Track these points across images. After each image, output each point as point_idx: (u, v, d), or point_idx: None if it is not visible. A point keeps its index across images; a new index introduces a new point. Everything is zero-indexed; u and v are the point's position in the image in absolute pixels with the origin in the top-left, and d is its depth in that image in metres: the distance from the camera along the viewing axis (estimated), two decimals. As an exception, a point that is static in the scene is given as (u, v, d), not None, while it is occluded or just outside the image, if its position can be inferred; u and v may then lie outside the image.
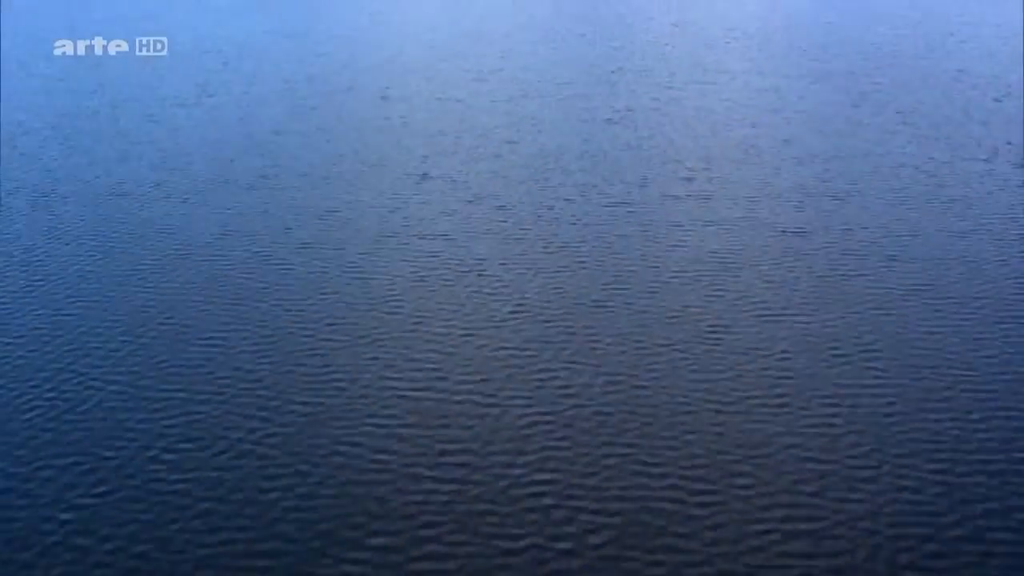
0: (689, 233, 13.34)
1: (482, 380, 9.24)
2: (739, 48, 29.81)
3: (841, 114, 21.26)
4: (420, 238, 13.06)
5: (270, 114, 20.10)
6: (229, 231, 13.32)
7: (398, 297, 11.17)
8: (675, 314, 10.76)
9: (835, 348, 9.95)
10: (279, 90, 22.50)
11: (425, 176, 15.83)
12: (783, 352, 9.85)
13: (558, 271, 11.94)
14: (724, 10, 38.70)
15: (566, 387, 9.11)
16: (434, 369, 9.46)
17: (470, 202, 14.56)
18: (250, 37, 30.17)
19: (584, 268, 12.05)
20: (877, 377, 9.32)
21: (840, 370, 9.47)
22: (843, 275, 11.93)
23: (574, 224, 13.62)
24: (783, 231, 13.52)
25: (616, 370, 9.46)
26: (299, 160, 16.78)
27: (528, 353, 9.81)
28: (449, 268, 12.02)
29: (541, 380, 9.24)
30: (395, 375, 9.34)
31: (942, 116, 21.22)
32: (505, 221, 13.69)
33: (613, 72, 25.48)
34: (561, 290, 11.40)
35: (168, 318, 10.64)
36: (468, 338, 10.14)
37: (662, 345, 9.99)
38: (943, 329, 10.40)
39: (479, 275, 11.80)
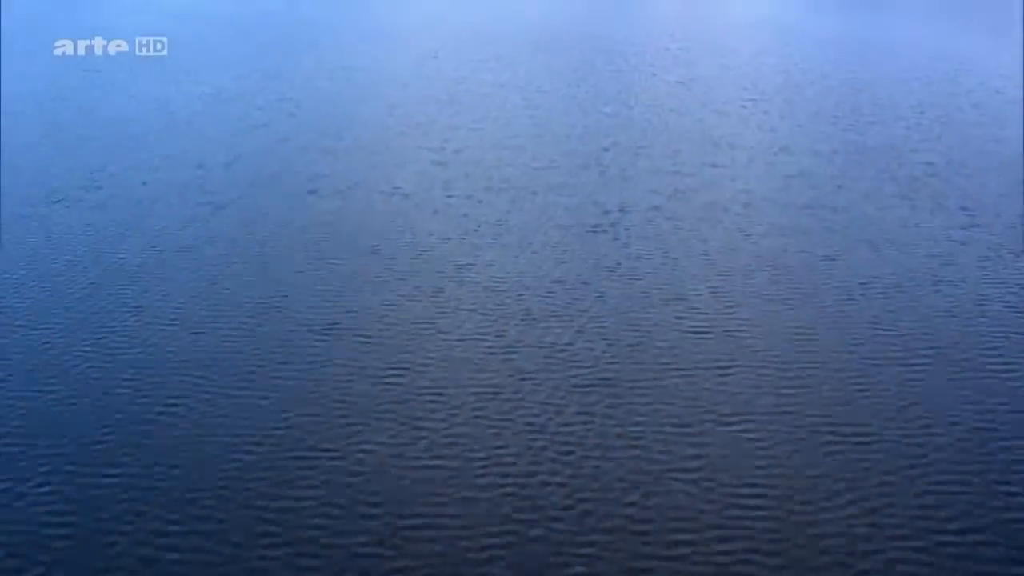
0: (700, 453, 9.16)
1: None
2: (757, 115, 25.90)
3: (893, 213, 17.20)
4: (293, 461, 8.88)
5: (160, 219, 16.08)
6: (32, 429, 9.17)
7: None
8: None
9: None
10: (186, 181, 18.52)
11: (330, 330, 11.69)
12: None
13: (501, 532, 7.73)
14: (737, 65, 34.85)
15: None
16: None
17: (383, 385, 10.39)
18: (183, 105, 26.26)
19: (538, 524, 7.84)
20: None
21: None
22: (933, 531, 7.73)
23: (531, 431, 9.46)
24: (840, 437, 9.38)
25: None
26: (170, 300, 12.70)
27: None
28: (330, 522, 7.82)
29: None
30: None
31: (1018, 215, 17.17)
32: (428, 432, 9.51)
33: (605, 150, 21.53)
34: (510, 554, 7.21)
35: None
36: None
37: None
38: None
39: (377, 544, 7.59)
